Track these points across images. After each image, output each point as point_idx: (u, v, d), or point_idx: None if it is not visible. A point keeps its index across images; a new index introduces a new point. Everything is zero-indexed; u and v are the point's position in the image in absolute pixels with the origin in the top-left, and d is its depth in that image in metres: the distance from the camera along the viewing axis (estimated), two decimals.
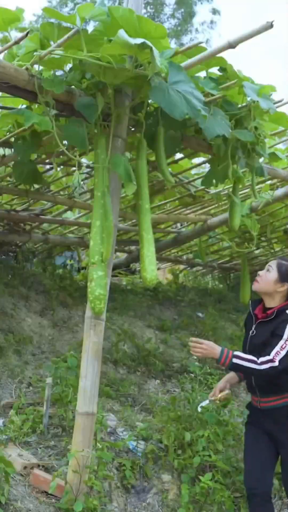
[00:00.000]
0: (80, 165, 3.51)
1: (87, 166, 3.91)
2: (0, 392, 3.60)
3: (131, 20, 2.28)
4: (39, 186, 4.28)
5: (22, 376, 3.87)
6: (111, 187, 2.69)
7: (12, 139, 3.20)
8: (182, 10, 19.32)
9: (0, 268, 5.14)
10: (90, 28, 2.42)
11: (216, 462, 3.18)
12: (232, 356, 2.69)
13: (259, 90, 3.09)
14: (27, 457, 2.89)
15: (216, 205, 5.16)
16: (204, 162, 4.58)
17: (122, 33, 2.19)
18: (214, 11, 19.61)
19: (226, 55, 2.85)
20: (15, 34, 2.59)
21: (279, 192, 4.73)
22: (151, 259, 2.78)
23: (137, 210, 2.88)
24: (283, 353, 2.66)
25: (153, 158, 3.18)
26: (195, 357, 5.00)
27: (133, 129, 3.06)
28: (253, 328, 2.85)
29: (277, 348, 2.68)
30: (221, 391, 3.03)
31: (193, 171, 4.85)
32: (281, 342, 2.68)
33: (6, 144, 3.33)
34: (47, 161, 3.84)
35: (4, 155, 3.56)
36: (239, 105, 3.26)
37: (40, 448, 3.05)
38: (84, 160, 3.83)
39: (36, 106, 2.85)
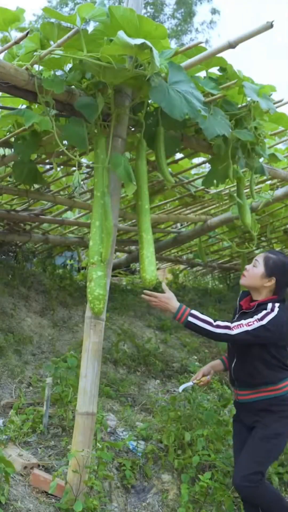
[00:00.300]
0: (80, 165, 3.51)
1: (87, 166, 3.91)
2: (0, 392, 3.60)
3: (131, 20, 2.28)
4: (39, 186, 4.28)
5: (22, 376, 3.87)
6: (111, 187, 2.69)
7: (12, 139, 3.20)
8: (182, 10, 19.33)
9: (0, 268, 5.14)
10: (90, 28, 2.42)
11: (215, 461, 3.18)
12: (189, 314, 2.67)
13: (259, 90, 3.09)
14: (27, 457, 2.89)
15: (216, 205, 5.17)
16: (204, 162, 4.58)
17: (121, 34, 2.19)
18: (214, 11, 19.64)
19: (226, 55, 2.86)
20: (15, 34, 2.59)
21: (279, 192, 4.73)
22: (151, 259, 2.79)
23: (137, 210, 2.88)
24: (246, 328, 2.61)
25: (153, 158, 3.18)
26: (195, 357, 5.02)
27: (133, 129, 3.06)
28: (235, 318, 2.83)
29: (242, 321, 2.65)
30: (204, 375, 3.02)
31: (193, 171, 4.85)
32: (250, 319, 2.64)
33: (6, 144, 3.33)
34: (47, 161, 3.84)
35: (4, 155, 3.56)
36: (239, 105, 3.26)
37: (40, 448, 3.05)
38: (84, 160, 3.83)
39: (36, 106, 2.85)
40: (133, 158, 3.61)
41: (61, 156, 3.59)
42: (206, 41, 18.34)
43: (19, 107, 2.98)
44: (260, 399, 2.74)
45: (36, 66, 2.53)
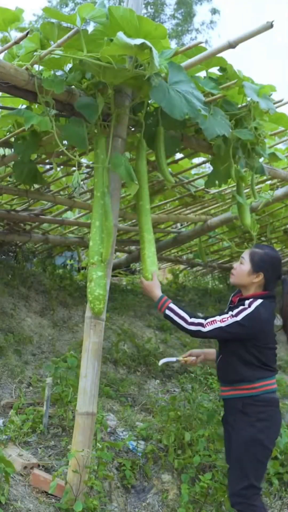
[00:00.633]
0: (80, 165, 3.51)
1: (87, 166, 3.91)
2: (0, 392, 3.60)
3: (131, 20, 2.28)
4: (39, 186, 4.28)
5: (22, 376, 3.87)
6: (111, 187, 2.69)
7: (12, 139, 3.20)
8: (182, 10, 19.33)
9: (0, 268, 5.13)
10: (90, 28, 2.42)
11: (216, 461, 3.18)
12: (167, 307, 2.68)
13: (259, 90, 3.09)
14: (27, 457, 2.89)
15: (216, 205, 5.17)
16: (204, 162, 4.58)
17: (121, 35, 2.19)
18: (214, 11, 19.64)
19: (226, 55, 2.86)
20: (15, 34, 2.60)
21: (279, 192, 4.73)
22: (152, 259, 2.80)
23: (138, 210, 2.88)
24: (219, 324, 2.59)
25: (153, 158, 3.18)
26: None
27: (133, 129, 3.06)
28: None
29: (216, 317, 2.63)
30: (192, 356, 3.01)
31: (193, 171, 4.85)
32: (224, 315, 2.63)
33: (6, 144, 3.33)
34: (47, 161, 3.84)
35: (4, 155, 3.56)
36: (239, 105, 3.26)
37: (40, 448, 3.05)
38: (84, 160, 3.83)
39: (36, 106, 2.85)
40: (133, 158, 3.61)
41: (61, 156, 3.59)
42: (206, 41, 18.36)
43: (19, 107, 2.98)
44: (236, 397, 2.69)
45: (36, 66, 2.53)
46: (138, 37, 2.25)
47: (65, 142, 2.96)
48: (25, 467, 2.79)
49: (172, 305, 2.69)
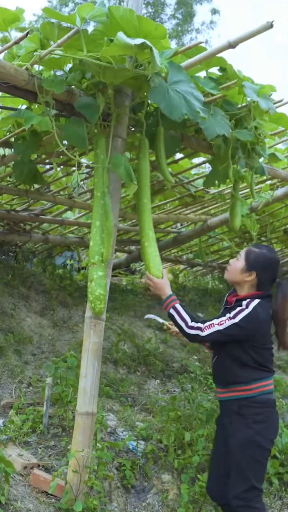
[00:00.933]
0: (80, 165, 3.51)
1: (87, 166, 3.91)
2: (0, 392, 3.60)
3: (131, 20, 2.28)
4: (39, 186, 4.29)
5: (22, 376, 3.87)
6: (111, 187, 2.69)
7: (12, 139, 3.20)
8: (182, 10, 19.33)
9: (0, 268, 5.14)
10: (90, 28, 2.42)
11: None
12: (172, 306, 2.68)
13: (259, 90, 3.09)
14: (27, 457, 2.89)
15: (216, 205, 5.17)
16: (204, 162, 4.58)
17: (121, 35, 2.19)
18: (214, 11, 19.65)
19: (226, 55, 2.86)
20: (15, 34, 2.59)
21: (279, 192, 4.73)
22: (155, 256, 2.79)
23: (139, 209, 2.88)
24: (217, 328, 2.58)
25: (153, 158, 3.18)
26: (195, 357, 5.02)
27: (133, 129, 3.06)
28: (219, 313, 2.79)
29: (214, 320, 2.62)
30: None
31: (193, 171, 4.85)
32: (222, 318, 2.61)
33: (6, 144, 3.33)
34: (47, 161, 3.84)
35: (4, 155, 3.56)
36: (239, 105, 3.26)
37: (40, 448, 3.05)
38: (84, 160, 3.83)
39: (36, 106, 2.85)
40: (133, 158, 3.61)
41: (61, 156, 3.59)
42: (206, 41, 18.36)
43: (19, 107, 2.98)
44: (232, 399, 2.67)
45: (36, 66, 2.53)
46: (138, 37, 2.25)
47: (65, 142, 2.96)
48: (25, 467, 2.79)
49: (178, 306, 2.69)
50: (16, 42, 2.39)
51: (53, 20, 2.44)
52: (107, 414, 3.51)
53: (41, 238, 5.39)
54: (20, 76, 2.43)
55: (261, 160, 3.62)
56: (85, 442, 2.61)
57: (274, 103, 3.26)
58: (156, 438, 3.39)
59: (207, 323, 2.62)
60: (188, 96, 2.55)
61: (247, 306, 2.61)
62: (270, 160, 3.83)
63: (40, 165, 3.98)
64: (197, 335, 2.62)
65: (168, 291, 2.73)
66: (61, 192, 4.54)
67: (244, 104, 3.25)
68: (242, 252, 2.76)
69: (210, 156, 3.69)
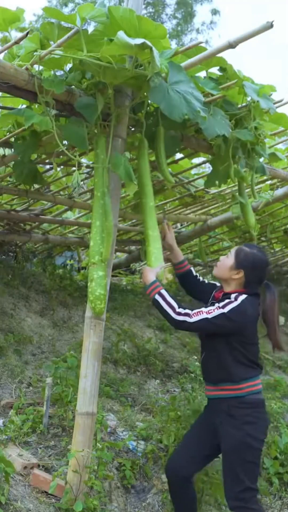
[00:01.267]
0: (80, 165, 3.51)
1: (87, 166, 3.91)
2: (0, 392, 3.60)
3: (131, 20, 2.28)
4: (39, 186, 4.28)
5: (22, 376, 3.87)
6: (111, 187, 2.69)
7: (12, 139, 3.20)
8: (183, 10, 19.33)
9: (0, 268, 5.13)
10: (90, 28, 2.42)
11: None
12: (157, 292, 2.62)
13: (259, 90, 3.09)
14: (27, 457, 2.89)
15: (216, 205, 5.17)
16: (204, 162, 4.58)
17: (121, 34, 2.19)
18: (214, 12, 19.63)
19: (226, 55, 2.86)
20: (15, 34, 2.59)
21: (279, 192, 4.73)
22: (157, 256, 2.78)
23: (141, 208, 2.89)
24: (205, 315, 2.56)
25: (153, 158, 3.18)
26: (195, 357, 5.02)
27: (133, 129, 3.06)
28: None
29: (203, 308, 2.60)
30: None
31: (193, 171, 4.85)
32: (211, 307, 2.60)
33: (6, 144, 3.33)
34: (47, 161, 3.84)
35: (4, 155, 3.56)
36: (239, 105, 3.26)
37: (40, 448, 3.05)
38: (84, 160, 3.83)
39: (36, 106, 2.85)
40: (133, 158, 3.61)
41: (61, 156, 3.59)
42: (206, 41, 18.36)
43: (19, 107, 2.98)
44: (221, 397, 2.67)
45: (36, 66, 2.53)
46: (138, 37, 2.25)
47: (65, 142, 2.96)
48: (25, 467, 2.79)
49: (163, 292, 2.63)
50: (16, 42, 2.39)
51: (53, 20, 2.44)
52: (107, 414, 3.51)
53: (41, 238, 5.38)
54: (20, 76, 2.43)
55: (261, 160, 3.63)
56: (85, 442, 2.61)
57: (274, 103, 3.26)
58: (156, 438, 3.39)
59: (195, 310, 2.59)
60: (188, 96, 2.55)
61: (235, 299, 2.61)
62: (270, 160, 3.83)
63: (40, 165, 3.98)
64: (185, 321, 2.58)
65: (152, 277, 2.67)
66: (61, 192, 4.54)
67: (244, 104, 3.26)
68: (233, 250, 2.77)
69: (210, 156, 3.69)
